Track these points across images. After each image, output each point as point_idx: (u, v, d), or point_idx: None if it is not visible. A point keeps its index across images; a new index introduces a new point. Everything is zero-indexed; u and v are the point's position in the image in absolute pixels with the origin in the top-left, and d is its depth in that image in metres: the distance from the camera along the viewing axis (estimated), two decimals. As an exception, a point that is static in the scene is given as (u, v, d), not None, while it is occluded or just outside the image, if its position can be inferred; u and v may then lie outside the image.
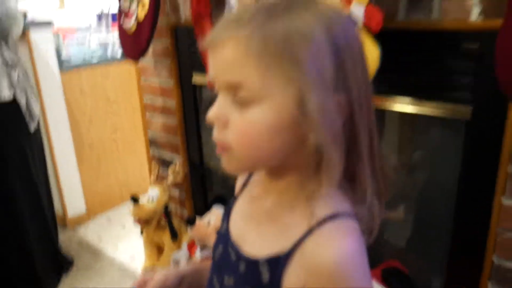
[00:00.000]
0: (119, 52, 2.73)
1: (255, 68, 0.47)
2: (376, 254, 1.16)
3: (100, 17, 3.70)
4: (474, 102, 1.01)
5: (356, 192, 0.54)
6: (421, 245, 1.25)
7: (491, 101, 0.98)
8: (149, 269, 0.70)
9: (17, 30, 1.77)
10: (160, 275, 0.71)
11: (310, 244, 0.50)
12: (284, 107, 0.47)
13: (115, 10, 3.79)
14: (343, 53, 0.47)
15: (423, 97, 1.08)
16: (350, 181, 0.54)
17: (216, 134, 0.52)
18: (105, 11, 3.59)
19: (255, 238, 0.59)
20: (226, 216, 0.66)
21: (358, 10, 0.92)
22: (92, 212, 2.70)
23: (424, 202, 1.24)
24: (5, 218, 1.83)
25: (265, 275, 0.54)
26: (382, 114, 1.19)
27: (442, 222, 1.19)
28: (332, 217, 0.50)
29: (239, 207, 0.65)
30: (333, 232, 0.49)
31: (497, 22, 0.91)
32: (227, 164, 0.54)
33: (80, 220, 2.63)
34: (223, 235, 0.64)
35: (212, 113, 0.51)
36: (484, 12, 0.93)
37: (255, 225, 0.61)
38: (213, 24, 1.26)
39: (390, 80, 1.08)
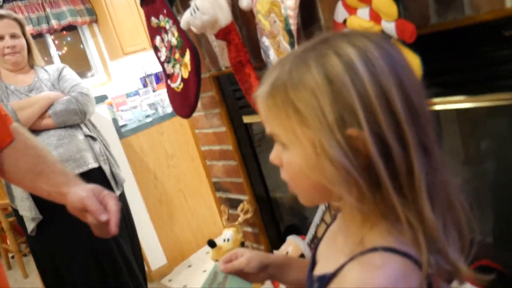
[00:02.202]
0: (168, 108, 2.88)
1: (274, 120, 0.55)
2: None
3: (144, 81, 3.94)
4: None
5: (402, 231, 0.52)
6: (507, 238, 1.20)
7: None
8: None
9: (92, 108, 1.98)
10: (244, 258, 0.77)
11: (346, 269, 0.53)
12: (303, 151, 0.53)
13: (156, 70, 4.01)
14: (345, 92, 0.48)
15: (475, 92, 1.07)
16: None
17: (281, 174, 0.60)
18: (148, 74, 3.83)
19: (324, 257, 0.66)
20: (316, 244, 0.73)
21: (389, 27, 0.94)
22: (173, 262, 2.80)
23: (501, 193, 1.20)
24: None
25: None
26: (437, 115, 1.19)
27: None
28: (375, 249, 0.51)
29: (328, 230, 0.71)
30: (366, 263, 0.50)
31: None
32: (299, 198, 0.61)
33: (163, 272, 2.74)
34: (312, 255, 0.70)
35: (271, 156, 0.60)
36: (517, -3, 0.92)
37: (325, 247, 0.68)
38: (253, 69, 1.33)
39: (439, 82, 1.09)
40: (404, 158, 0.49)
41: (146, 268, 2.64)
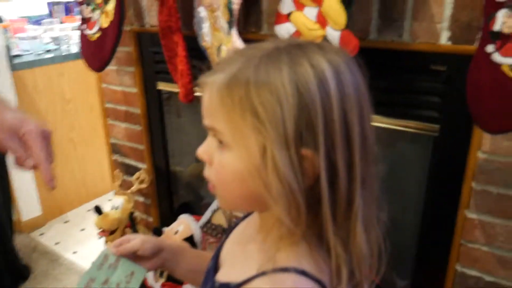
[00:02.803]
0: (74, 47, 2.61)
1: (222, 116, 0.48)
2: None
3: (51, 8, 3.50)
4: (441, 121, 1.05)
5: (319, 257, 0.51)
6: (388, 256, 1.29)
7: (457, 120, 1.02)
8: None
9: None
10: (139, 239, 0.71)
11: (254, 284, 0.50)
12: (249, 157, 0.48)
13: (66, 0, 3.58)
14: (312, 110, 0.45)
15: (392, 114, 1.11)
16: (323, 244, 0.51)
17: (205, 171, 0.54)
18: (56, 1, 3.40)
19: (229, 262, 0.62)
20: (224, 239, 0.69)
21: (333, 35, 0.92)
22: (48, 215, 2.59)
23: (391, 211, 1.28)
24: None
25: None
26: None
27: (409, 231, 1.24)
28: (287, 270, 0.49)
29: (234, 232, 0.67)
30: (277, 283, 0.48)
31: (465, 47, 0.95)
32: (217, 200, 0.57)
33: (36, 224, 2.53)
34: (213, 257, 0.66)
35: (200, 151, 0.54)
36: (453, 37, 0.96)
37: (232, 252, 0.64)
38: (183, 38, 1.23)
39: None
40: (348, 189, 0.48)
41: (15, 218, 2.41)
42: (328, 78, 0.46)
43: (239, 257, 0.61)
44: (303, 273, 0.48)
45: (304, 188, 0.47)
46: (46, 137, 0.72)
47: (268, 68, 0.46)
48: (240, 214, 0.72)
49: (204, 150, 0.53)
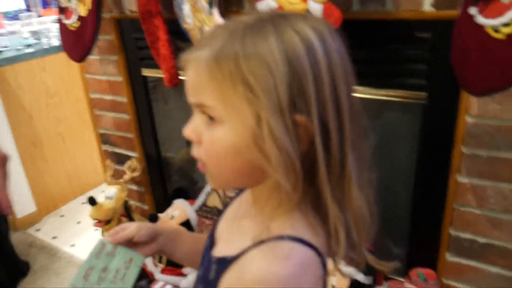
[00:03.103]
0: (54, 40, 2.56)
1: (212, 90, 0.48)
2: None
3: (27, 2, 3.42)
4: (428, 88, 1.05)
5: (326, 222, 0.52)
6: (382, 222, 1.31)
7: (445, 86, 1.02)
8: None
9: None
10: (134, 226, 0.70)
11: (250, 255, 0.50)
12: (244, 128, 0.48)
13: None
14: (303, 76, 0.46)
15: (379, 85, 1.11)
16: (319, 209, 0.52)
17: (194, 150, 0.54)
18: (33, -5, 3.31)
19: (224, 238, 0.62)
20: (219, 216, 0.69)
21: (315, 7, 0.91)
22: (43, 210, 2.58)
23: (384, 180, 1.29)
24: None
25: (212, 273, 0.56)
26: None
27: (402, 199, 1.25)
28: (282, 237, 0.49)
29: (228, 210, 0.68)
30: (273, 252, 0.48)
31: (448, 13, 0.94)
32: (208, 179, 0.56)
33: (31, 220, 2.51)
34: (209, 235, 0.66)
35: (187, 130, 0.52)
36: (436, 3, 0.95)
37: (227, 228, 0.64)
38: (164, 21, 1.21)
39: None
40: (340, 152, 0.49)
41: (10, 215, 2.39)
42: (315, 44, 0.46)
43: (234, 232, 0.61)
44: (298, 240, 0.49)
45: (300, 154, 0.47)
46: (2, 164, 0.72)
47: (255, 39, 0.46)
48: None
49: (192, 128, 0.52)
